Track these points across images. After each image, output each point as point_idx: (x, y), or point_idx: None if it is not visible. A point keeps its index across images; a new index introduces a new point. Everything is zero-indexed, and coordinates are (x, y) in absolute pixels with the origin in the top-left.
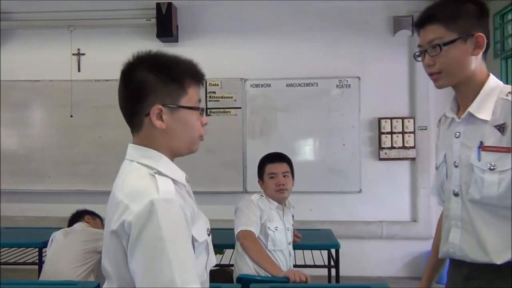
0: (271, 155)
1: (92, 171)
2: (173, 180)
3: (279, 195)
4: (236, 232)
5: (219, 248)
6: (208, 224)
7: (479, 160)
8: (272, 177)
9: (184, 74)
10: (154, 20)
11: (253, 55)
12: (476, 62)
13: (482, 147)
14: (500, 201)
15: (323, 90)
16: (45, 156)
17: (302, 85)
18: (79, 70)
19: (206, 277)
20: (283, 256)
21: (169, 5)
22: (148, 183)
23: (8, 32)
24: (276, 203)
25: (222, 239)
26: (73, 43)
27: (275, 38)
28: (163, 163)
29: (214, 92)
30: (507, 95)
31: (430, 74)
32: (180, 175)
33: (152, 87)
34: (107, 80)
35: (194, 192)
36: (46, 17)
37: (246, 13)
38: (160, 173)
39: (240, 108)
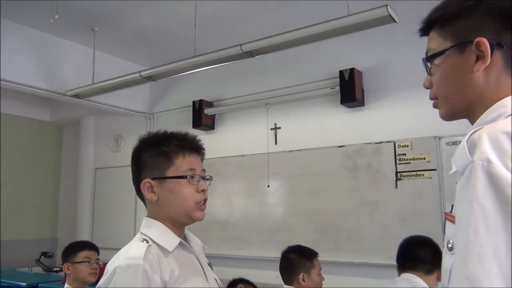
0: None
1: (288, 239)
2: (159, 246)
3: None
4: None
5: None
6: None
7: (444, 233)
8: None
9: (169, 146)
10: (337, 88)
11: None
12: (487, 82)
13: (445, 213)
14: None
15: None
16: (248, 223)
17: None
18: (275, 143)
19: None
20: None
21: (351, 70)
22: (125, 251)
23: (221, 116)
24: None
25: None
26: (269, 118)
27: None
28: (155, 230)
29: (404, 154)
30: (471, 134)
31: (431, 100)
32: (169, 243)
33: (143, 164)
34: (299, 150)
35: (384, 265)
36: (247, 99)
37: None
38: (149, 240)
39: (435, 170)
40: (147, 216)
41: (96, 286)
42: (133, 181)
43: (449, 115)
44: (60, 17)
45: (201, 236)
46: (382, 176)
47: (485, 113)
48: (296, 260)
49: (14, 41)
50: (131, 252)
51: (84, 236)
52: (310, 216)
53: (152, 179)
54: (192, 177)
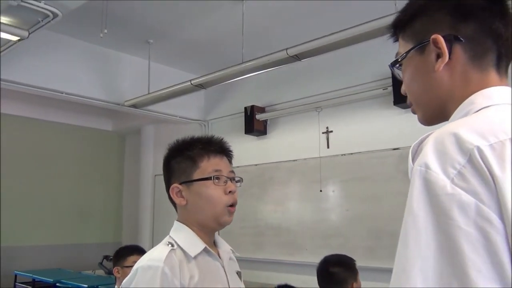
0: None
1: (342, 245)
2: (183, 250)
3: None
4: None
5: None
6: None
7: None
8: None
9: (194, 151)
10: (390, 89)
11: None
12: (452, 79)
13: None
14: None
15: None
16: (302, 229)
17: None
18: (328, 147)
19: None
20: None
21: None
22: (149, 252)
23: (273, 121)
24: None
25: None
26: (321, 122)
27: None
28: (182, 234)
29: None
30: (423, 139)
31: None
32: (193, 248)
33: (172, 170)
34: (351, 153)
35: None
36: (298, 103)
37: None
38: (174, 243)
39: None
40: (177, 220)
41: (120, 285)
42: (166, 189)
43: (426, 120)
44: (117, 32)
45: (255, 242)
46: None
47: (454, 113)
48: (344, 273)
49: (75, 56)
50: (154, 254)
51: (145, 240)
52: (364, 222)
53: (180, 183)
54: (218, 178)
